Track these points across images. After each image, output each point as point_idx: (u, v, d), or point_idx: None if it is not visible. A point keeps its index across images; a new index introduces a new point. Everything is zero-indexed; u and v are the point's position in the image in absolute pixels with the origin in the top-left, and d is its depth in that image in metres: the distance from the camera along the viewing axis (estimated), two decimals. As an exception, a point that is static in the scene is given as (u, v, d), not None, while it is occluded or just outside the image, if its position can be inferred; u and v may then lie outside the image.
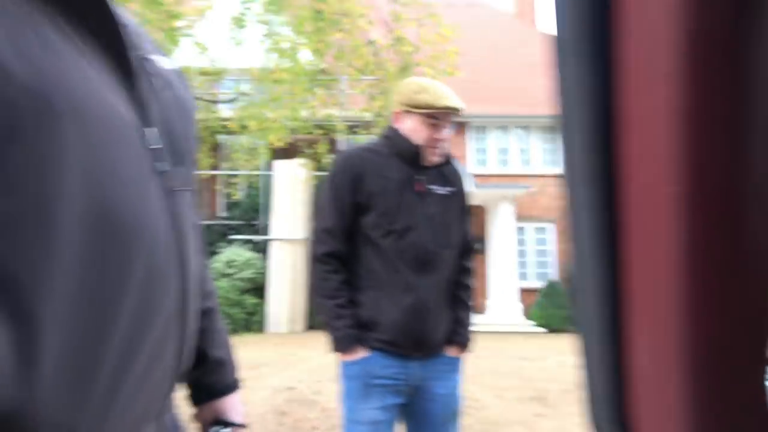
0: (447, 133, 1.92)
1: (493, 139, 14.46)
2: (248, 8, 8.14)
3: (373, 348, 1.86)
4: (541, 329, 12.14)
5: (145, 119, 0.68)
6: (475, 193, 12.20)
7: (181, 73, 0.86)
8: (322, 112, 8.03)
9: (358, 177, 1.88)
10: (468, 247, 2.05)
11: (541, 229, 14.15)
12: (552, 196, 14.06)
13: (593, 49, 0.34)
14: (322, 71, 8.00)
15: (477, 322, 10.15)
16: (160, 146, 0.69)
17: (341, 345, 1.86)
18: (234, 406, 1.01)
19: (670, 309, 0.31)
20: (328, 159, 8.43)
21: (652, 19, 0.30)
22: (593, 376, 0.38)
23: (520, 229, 13.96)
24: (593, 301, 0.37)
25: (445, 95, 1.87)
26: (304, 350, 8.95)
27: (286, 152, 11.91)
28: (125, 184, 0.63)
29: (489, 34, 17.13)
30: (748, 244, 0.30)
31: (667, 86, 0.30)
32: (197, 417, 1.00)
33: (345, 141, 12.76)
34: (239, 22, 8.19)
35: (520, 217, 13.80)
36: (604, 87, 0.33)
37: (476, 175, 13.33)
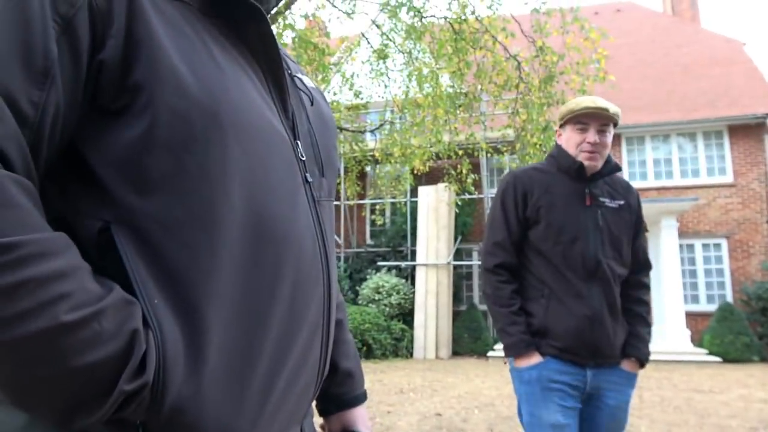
0: (600, 137, 1.97)
1: (651, 150, 13.34)
2: (390, 39, 8.50)
3: (547, 354, 1.90)
4: (715, 358, 10.73)
5: (295, 132, 0.75)
6: (631, 209, 11.32)
7: (321, 91, 0.93)
8: (465, 134, 8.03)
9: (526, 193, 2.02)
10: (644, 263, 2.10)
11: (711, 246, 12.64)
12: (722, 208, 12.56)
13: None
14: (464, 94, 8.04)
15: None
16: (304, 158, 0.75)
17: (517, 349, 1.92)
18: (362, 418, 0.99)
19: None
20: (471, 180, 8.40)
21: None
22: None
23: (687, 247, 12.62)
24: None
25: (588, 99, 1.95)
26: (450, 377, 8.90)
27: (429, 177, 12.11)
28: (279, 192, 0.68)
29: (641, 38, 16.05)
30: None
31: None
32: (325, 428, 0.99)
33: (488, 161, 12.67)
34: (382, 53, 8.57)
35: (686, 233, 12.50)
36: None
37: (631, 190, 12.39)
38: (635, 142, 13.39)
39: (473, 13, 7.09)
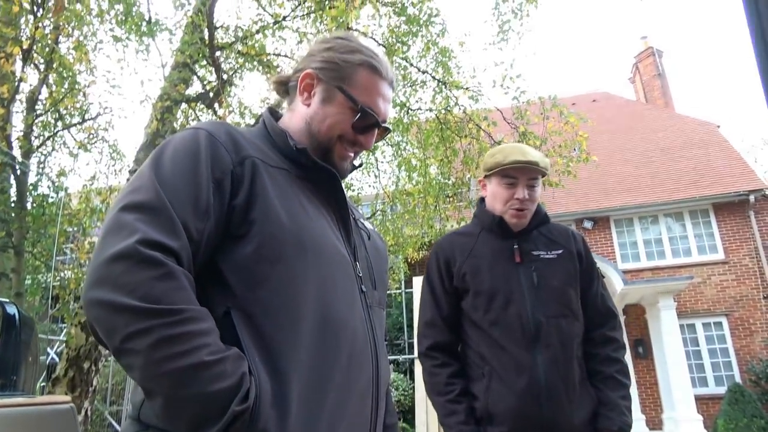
0: (529, 192, 1.78)
1: (641, 231, 13.48)
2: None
3: None
4: (734, 444, 10.21)
5: (355, 256, 1.09)
6: (628, 291, 11.23)
7: (377, 232, 1.31)
8: (455, 220, 8.12)
9: (448, 262, 1.82)
10: (605, 313, 1.81)
11: (712, 325, 12.44)
12: (718, 286, 12.50)
13: None
14: (453, 184, 8.22)
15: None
16: (361, 275, 1.08)
17: None
18: None
19: None
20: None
21: None
22: None
23: (688, 327, 12.41)
24: None
25: (517, 151, 1.76)
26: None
27: (423, 266, 12.08)
28: (341, 295, 1.00)
29: (619, 125, 16.73)
30: None
31: None
32: None
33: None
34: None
35: (685, 313, 12.34)
36: None
37: (626, 272, 12.36)
38: (624, 224, 13.56)
39: (456, 104, 7.40)
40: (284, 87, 1.23)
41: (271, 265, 0.94)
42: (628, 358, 12.12)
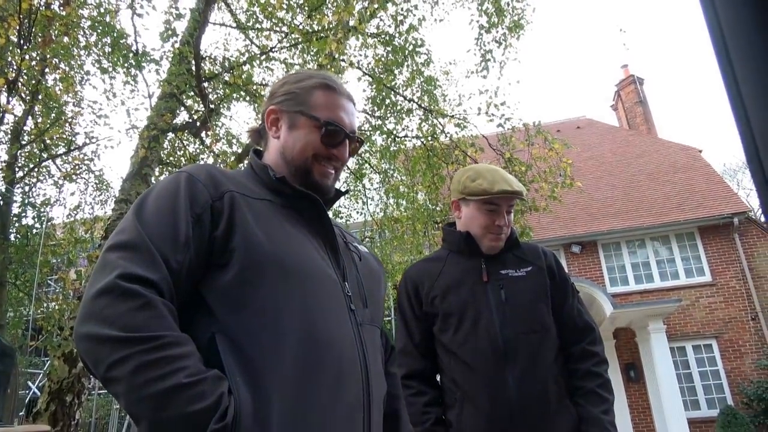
0: (507, 218, 1.78)
1: (628, 255, 13.57)
2: (366, 161, 8.86)
3: None
4: (730, 469, 10.12)
5: (344, 276, 1.14)
6: (618, 315, 11.23)
7: (373, 254, 1.36)
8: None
9: (416, 288, 1.81)
10: (583, 327, 1.77)
11: (702, 347, 12.45)
12: (706, 308, 12.55)
13: None
14: (440, 210, 8.27)
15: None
16: (350, 294, 1.12)
17: None
18: None
19: None
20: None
21: None
22: None
23: (678, 350, 12.41)
24: None
25: (503, 179, 1.76)
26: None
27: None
28: (327, 314, 1.04)
29: (603, 150, 16.98)
30: None
31: None
32: None
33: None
34: (359, 173, 8.90)
35: (675, 336, 12.35)
36: None
37: (615, 296, 12.38)
38: (612, 248, 13.64)
39: (443, 131, 7.49)
40: (258, 134, 1.32)
41: (252, 288, 0.99)
42: (619, 382, 12.09)
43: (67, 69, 6.87)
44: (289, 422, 0.92)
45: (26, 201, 7.39)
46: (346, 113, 1.24)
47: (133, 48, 6.46)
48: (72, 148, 7.68)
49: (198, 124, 6.71)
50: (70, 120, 7.39)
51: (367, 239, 9.58)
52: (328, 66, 5.60)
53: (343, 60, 6.86)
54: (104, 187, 8.30)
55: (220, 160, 6.96)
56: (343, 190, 1.33)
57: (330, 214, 1.26)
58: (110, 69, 6.65)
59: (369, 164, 8.96)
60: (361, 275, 1.21)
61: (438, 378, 1.82)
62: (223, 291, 0.99)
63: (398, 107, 7.71)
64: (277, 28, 7.84)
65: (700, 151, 15.69)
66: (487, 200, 1.76)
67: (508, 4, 7.43)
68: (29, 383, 10.24)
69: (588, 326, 1.78)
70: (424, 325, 1.79)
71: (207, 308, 0.99)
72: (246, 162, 1.31)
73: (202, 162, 7.58)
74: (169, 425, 0.84)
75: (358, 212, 9.29)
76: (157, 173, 6.94)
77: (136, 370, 0.85)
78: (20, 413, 7.35)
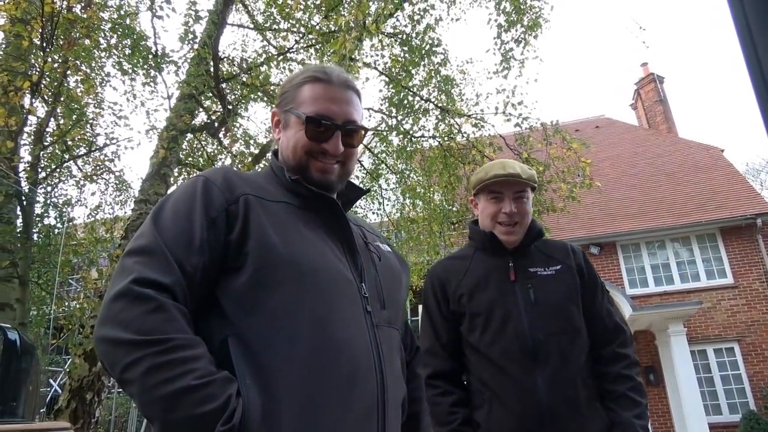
0: (517, 205, 1.73)
1: (648, 256, 13.37)
2: (382, 160, 8.86)
3: None
4: (753, 475, 9.92)
5: (361, 278, 1.13)
6: (637, 318, 11.08)
7: (397, 253, 1.35)
8: (460, 247, 8.09)
9: (443, 286, 1.78)
10: (614, 329, 1.73)
11: (724, 351, 12.22)
12: (728, 311, 12.32)
13: None
14: (457, 211, 8.23)
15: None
16: (367, 295, 1.11)
17: None
18: None
19: None
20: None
21: None
22: None
23: (699, 353, 12.20)
24: None
25: (497, 165, 1.74)
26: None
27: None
28: (342, 316, 1.04)
29: (623, 150, 16.78)
30: None
31: None
32: None
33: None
34: (375, 174, 8.89)
35: (696, 339, 12.15)
36: None
37: (635, 297, 12.23)
38: (631, 250, 13.47)
39: (459, 131, 7.46)
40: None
41: (266, 291, 1.00)
42: (639, 385, 11.93)
43: (89, 71, 6.97)
44: (298, 426, 0.93)
45: (49, 201, 7.52)
46: (336, 103, 1.18)
47: (153, 50, 6.53)
48: (93, 149, 7.80)
49: (216, 124, 6.77)
50: (91, 121, 7.50)
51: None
52: (345, 65, 5.61)
53: (358, 60, 6.86)
54: (124, 187, 8.41)
55: (237, 161, 7.01)
56: (364, 188, 1.32)
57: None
58: (130, 71, 6.74)
59: (385, 164, 8.96)
60: (380, 276, 1.19)
61: (464, 378, 1.79)
62: (237, 294, 1.01)
63: (415, 107, 7.70)
64: (294, 29, 7.87)
65: (722, 151, 15.42)
66: (487, 188, 1.76)
67: (526, 3, 7.38)
68: (51, 381, 10.41)
69: (619, 327, 1.73)
70: (451, 325, 1.75)
71: (221, 311, 1.01)
72: (264, 162, 1.30)
73: (219, 162, 7.64)
74: (178, 426, 0.86)
75: (374, 213, 9.28)
76: (176, 173, 7.02)
77: (147, 371, 0.87)
78: (41, 410, 7.47)
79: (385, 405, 1.05)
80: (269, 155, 1.31)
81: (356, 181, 9.37)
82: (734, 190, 13.56)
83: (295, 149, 1.18)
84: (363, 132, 1.23)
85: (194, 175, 1.21)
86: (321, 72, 1.21)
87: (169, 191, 6.32)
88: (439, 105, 7.54)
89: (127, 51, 6.59)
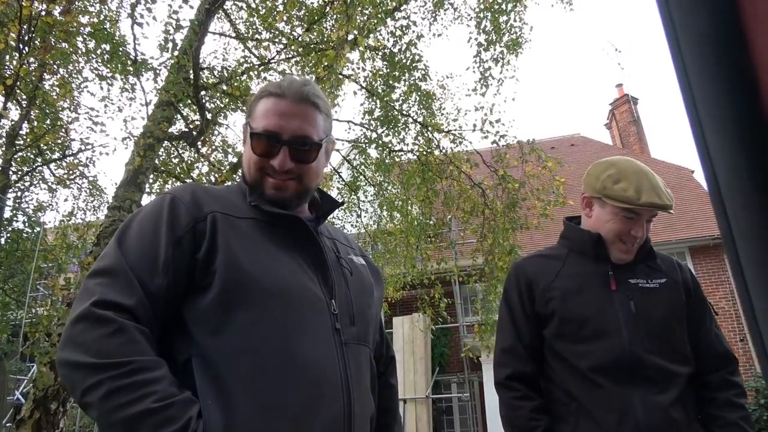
0: (645, 229, 1.60)
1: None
2: (361, 172, 8.89)
3: None
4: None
5: (331, 294, 1.11)
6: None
7: (372, 265, 1.34)
8: (436, 261, 8.15)
9: (530, 284, 1.64)
10: (724, 355, 1.60)
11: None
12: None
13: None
14: (434, 224, 8.29)
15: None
16: (337, 312, 1.10)
17: None
18: None
19: None
20: (444, 305, 8.37)
21: None
22: None
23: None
24: None
25: (651, 188, 1.56)
26: None
27: (404, 308, 12.00)
28: (308, 335, 1.03)
29: (594, 171, 17.10)
30: None
31: None
32: None
33: (461, 288, 12.74)
34: (353, 186, 8.92)
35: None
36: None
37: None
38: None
39: (438, 146, 7.54)
40: None
41: (232, 311, 1.00)
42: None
43: (66, 75, 6.88)
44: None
45: (18, 206, 7.36)
46: (285, 118, 1.14)
47: (132, 56, 6.48)
48: (67, 153, 7.67)
49: (194, 133, 6.73)
50: (66, 125, 7.39)
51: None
52: (326, 78, 5.64)
53: (341, 74, 6.90)
54: (98, 193, 8.28)
55: (215, 170, 6.97)
56: (339, 201, 1.31)
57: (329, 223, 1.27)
58: (108, 76, 6.67)
59: (364, 176, 8.99)
60: (352, 291, 1.18)
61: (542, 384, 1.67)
62: (202, 313, 1.00)
63: (394, 121, 7.76)
64: (276, 40, 7.89)
65: (692, 171, 15.84)
66: (630, 209, 1.57)
67: (506, 23, 7.51)
68: (14, 390, 10.13)
69: (729, 354, 1.62)
70: (535, 326, 1.62)
71: (187, 331, 1.00)
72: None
73: (197, 171, 7.58)
74: None
75: (352, 225, 9.29)
76: (151, 181, 6.94)
77: (106, 395, 0.87)
78: (7, 424, 7.26)
79: (351, 422, 1.05)
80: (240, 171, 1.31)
81: (334, 193, 9.38)
82: (703, 210, 13.91)
83: (248, 165, 1.18)
84: (316, 147, 1.17)
85: (167, 189, 1.19)
86: (276, 87, 1.18)
87: (143, 199, 6.25)
88: (418, 120, 7.62)
89: (106, 56, 6.52)
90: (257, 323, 1.00)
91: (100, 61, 6.64)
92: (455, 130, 7.70)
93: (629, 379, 1.47)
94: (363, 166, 8.95)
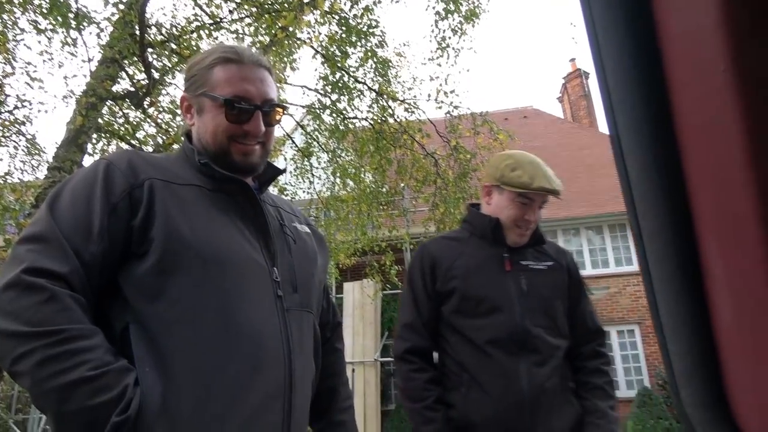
0: (538, 213, 1.77)
1: (564, 243, 14.13)
2: (314, 138, 8.80)
3: None
4: (643, 446, 10.87)
5: (274, 262, 1.12)
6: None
7: (317, 233, 1.34)
8: (388, 228, 8.23)
9: (434, 265, 1.77)
10: (595, 330, 1.81)
11: (625, 332, 13.23)
12: (632, 296, 13.29)
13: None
14: (386, 192, 8.33)
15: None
16: (279, 279, 1.10)
17: None
18: None
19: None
20: (394, 272, 8.51)
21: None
22: (680, 365, 0.35)
23: (604, 335, 13.11)
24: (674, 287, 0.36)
25: (544, 175, 1.72)
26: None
27: (354, 273, 12.12)
28: (248, 302, 1.04)
29: (548, 141, 17.47)
30: None
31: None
32: None
33: (411, 255, 12.91)
34: (306, 152, 8.83)
35: (602, 321, 13.01)
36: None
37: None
38: (549, 236, 14.13)
39: (392, 115, 7.53)
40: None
41: (170, 277, 0.99)
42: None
43: (0, 26, 6.46)
44: (197, 413, 0.94)
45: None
46: (252, 83, 1.15)
47: (74, 8, 6.13)
48: (2, 110, 7.26)
49: (141, 93, 6.48)
50: (0, 80, 6.97)
51: (312, 218, 9.54)
52: (282, 40, 5.51)
53: (298, 38, 6.75)
54: (37, 152, 7.91)
55: (162, 131, 6.76)
56: (281, 168, 1.28)
57: (276, 191, 1.27)
58: (47, 29, 6.31)
59: (318, 143, 8.91)
60: (295, 259, 1.19)
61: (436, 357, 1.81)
62: (140, 280, 0.99)
63: (350, 88, 7.68)
64: (229, -2, 7.61)
65: (637, 147, 16.39)
66: (523, 194, 1.73)
67: (465, -8, 7.48)
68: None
69: (600, 329, 1.83)
70: (434, 304, 1.75)
71: (123, 298, 0.99)
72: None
73: (142, 132, 7.33)
74: (72, 418, 0.86)
75: (304, 191, 9.24)
76: (94, 141, 6.68)
77: (39, 364, 0.86)
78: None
79: (291, 388, 1.06)
80: (183, 137, 1.26)
81: (287, 159, 9.26)
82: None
83: (214, 134, 1.14)
84: (282, 110, 1.20)
85: (110, 150, 1.15)
86: (231, 52, 1.16)
87: (86, 160, 6.02)
88: (373, 88, 7.57)
89: (45, 7, 6.15)
90: (196, 290, 0.99)
91: (38, 11, 6.25)
92: (410, 99, 7.71)
93: (518, 351, 1.63)
94: (317, 132, 8.85)
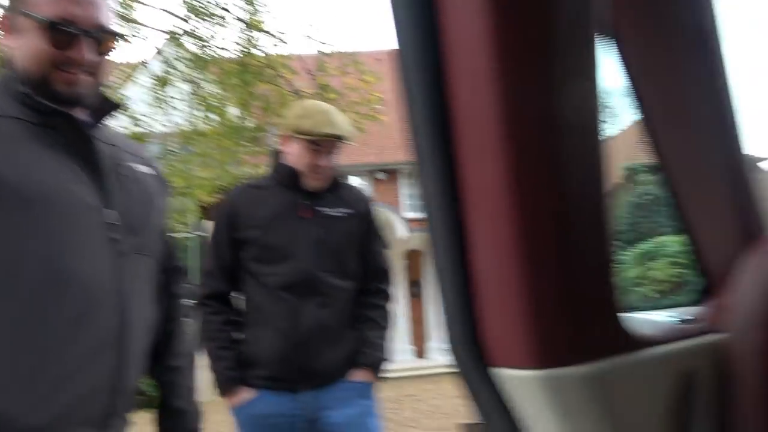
0: (330, 159, 1.87)
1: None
2: (173, 67, 8.21)
3: (257, 387, 1.77)
4: (484, 368, 12.25)
5: (107, 203, 1.03)
6: (410, 238, 12.43)
7: (157, 176, 1.25)
8: (251, 166, 8.05)
9: (235, 213, 1.87)
10: (378, 270, 1.97)
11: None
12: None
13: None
14: (250, 128, 8.09)
15: (419, 365, 10.10)
16: (113, 222, 1.02)
17: (223, 389, 1.79)
18: None
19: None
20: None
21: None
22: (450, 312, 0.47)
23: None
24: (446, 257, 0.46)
25: (328, 122, 1.84)
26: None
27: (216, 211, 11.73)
28: (75, 246, 0.97)
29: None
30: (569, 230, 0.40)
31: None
32: None
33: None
34: (163, 81, 8.21)
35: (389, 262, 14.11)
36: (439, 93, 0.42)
37: (411, 220, 13.60)
38: (412, 177, 14.81)
39: (255, 46, 7.25)
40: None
41: None
42: (406, 296, 13.58)
43: None
44: (18, 366, 0.90)
45: None
46: (79, 4, 1.02)
47: None
48: None
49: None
50: None
51: (169, 153, 9.02)
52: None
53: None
54: None
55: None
56: (116, 102, 1.17)
57: (130, 122, 1.18)
58: None
59: (176, 70, 8.31)
60: (132, 200, 1.11)
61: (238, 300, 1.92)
62: None
63: (214, 14, 7.21)
64: None
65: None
66: (312, 140, 1.82)
67: None
68: None
69: (383, 270, 1.98)
70: (234, 251, 1.84)
71: None
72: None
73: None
74: None
75: (160, 123, 8.67)
76: None
77: None
78: None
79: (125, 336, 1.02)
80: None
81: (142, 89, 8.54)
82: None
83: (33, 59, 1.01)
84: (114, 37, 1.09)
85: None
86: None
87: None
88: (239, 17, 7.19)
89: None
90: (15, 234, 0.92)
91: None
92: (277, 31, 7.45)
93: (305, 294, 1.78)
94: (178, 60, 8.25)
